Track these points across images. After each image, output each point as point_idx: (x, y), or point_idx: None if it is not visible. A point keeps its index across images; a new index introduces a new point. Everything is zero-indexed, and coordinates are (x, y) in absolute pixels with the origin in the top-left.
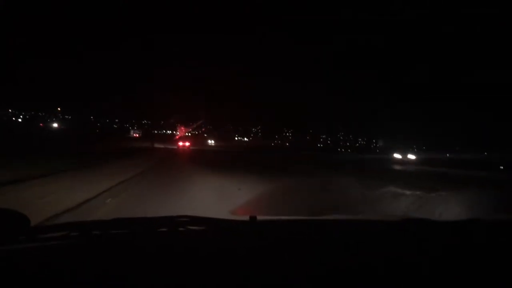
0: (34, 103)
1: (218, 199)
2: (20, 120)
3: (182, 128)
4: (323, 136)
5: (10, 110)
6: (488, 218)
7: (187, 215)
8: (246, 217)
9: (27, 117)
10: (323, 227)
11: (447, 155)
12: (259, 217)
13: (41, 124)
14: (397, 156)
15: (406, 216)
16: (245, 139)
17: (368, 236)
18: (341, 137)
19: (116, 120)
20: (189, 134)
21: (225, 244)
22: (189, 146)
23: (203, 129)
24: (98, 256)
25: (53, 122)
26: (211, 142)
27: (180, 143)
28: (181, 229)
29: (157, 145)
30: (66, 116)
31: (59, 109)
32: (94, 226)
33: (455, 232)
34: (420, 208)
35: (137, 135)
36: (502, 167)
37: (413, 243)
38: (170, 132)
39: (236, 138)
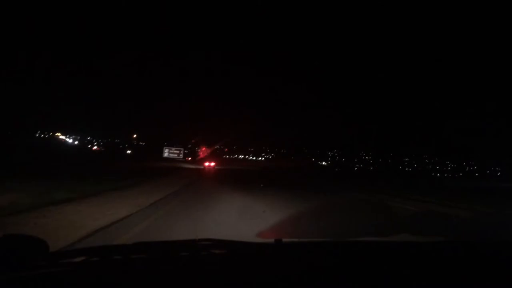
0: (115, 131)
1: None
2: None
3: (204, 149)
4: (406, 159)
5: (88, 138)
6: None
7: (210, 238)
8: (271, 240)
9: (101, 143)
10: (352, 249)
11: None
12: (285, 240)
13: (96, 148)
14: None
15: (443, 238)
16: (323, 163)
17: (400, 260)
18: (426, 159)
19: (189, 146)
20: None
21: (249, 269)
22: (214, 166)
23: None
24: (119, 282)
25: (127, 149)
26: None
27: (206, 163)
28: (203, 253)
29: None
30: (141, 143)
31: (134, 136)
32: (115, 250)
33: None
34: None
35: (183, 156)
36: None
37: (447, 267)
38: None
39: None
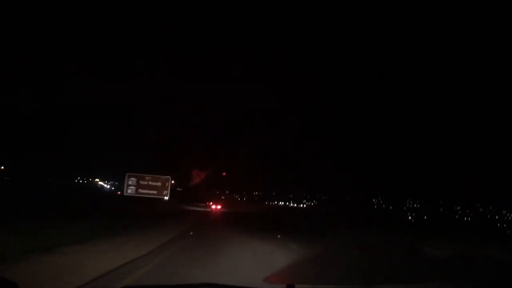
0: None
1: None
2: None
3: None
4: (458, 207)
5: (116, 183)
6: None
7: (211, 283)
8: (282, 286)
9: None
10: None
11: None
12: (298, 286)
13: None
14: None
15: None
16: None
17: None
18: (481, 209)
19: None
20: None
21: None
22: (220, 208)
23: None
24: None
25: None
26: None
27: (213, 206)
28: None
29: None
30: (178, 189)
31: (172, 181)
32: None
33: None
34: None
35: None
36: None
37: None
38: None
39: None
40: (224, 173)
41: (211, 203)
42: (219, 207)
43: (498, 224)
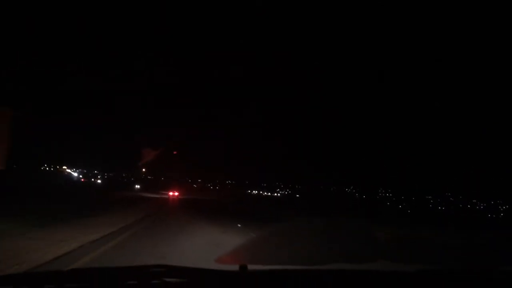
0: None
1: None
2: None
3: None
4: (429, 197)
5: (96, 171)
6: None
7: (163, 264)
8: (235, 267)
9: (105, 176)
10: (323, 279)
11: None
12: (250, 267)
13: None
14: None
15: (421, 267)
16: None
17: None
18: (451, 198)
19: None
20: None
21: None
22: (178, 195)
23: None
24: None
25: (136, 183)
26: None
27: (171, 193)
28: (155, 281)
29: None
30: (149, 177)
31: (144, 170)
32: (46, 278)
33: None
34: None
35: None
36: None
37: None
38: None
39: None
40: (175, 152)
41: (169, 191)
42: (176, 193)
43: (489, 215)
